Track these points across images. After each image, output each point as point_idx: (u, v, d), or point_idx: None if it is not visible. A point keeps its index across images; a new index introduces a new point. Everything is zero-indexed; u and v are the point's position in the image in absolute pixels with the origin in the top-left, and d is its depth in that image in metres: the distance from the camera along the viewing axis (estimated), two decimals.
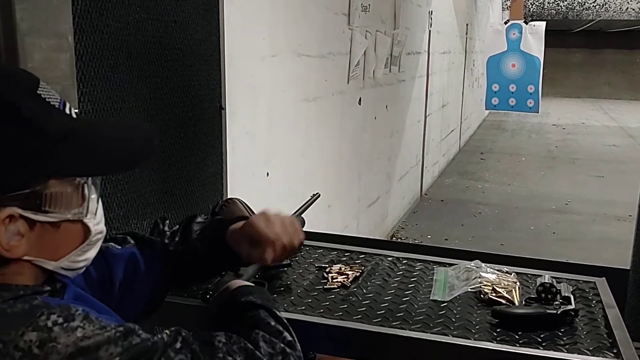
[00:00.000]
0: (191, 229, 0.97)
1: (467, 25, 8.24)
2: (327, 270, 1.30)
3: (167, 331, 0.65)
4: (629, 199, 6.12)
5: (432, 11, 5.52)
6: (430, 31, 5.53)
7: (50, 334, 0.55)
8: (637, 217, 2.03)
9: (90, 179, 0.68)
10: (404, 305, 1.15)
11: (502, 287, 1.19)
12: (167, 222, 1.01)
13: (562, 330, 1.07)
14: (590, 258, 4.20)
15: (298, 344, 0.81)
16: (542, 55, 6.40)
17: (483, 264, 1.29)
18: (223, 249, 0.94)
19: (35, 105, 0.63)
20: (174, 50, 1.53)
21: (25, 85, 0.64)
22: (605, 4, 10.80)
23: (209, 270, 0.99)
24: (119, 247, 0.90)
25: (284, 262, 1.25)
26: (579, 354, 1.00)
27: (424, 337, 1.03)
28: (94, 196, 0.69)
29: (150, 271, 0.92)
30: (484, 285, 1.20)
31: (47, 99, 0.64)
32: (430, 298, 1.19)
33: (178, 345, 0.64)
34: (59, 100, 0.66)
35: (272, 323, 0.82)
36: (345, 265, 1.32)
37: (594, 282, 1.29)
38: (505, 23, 6.60)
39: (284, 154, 2.57)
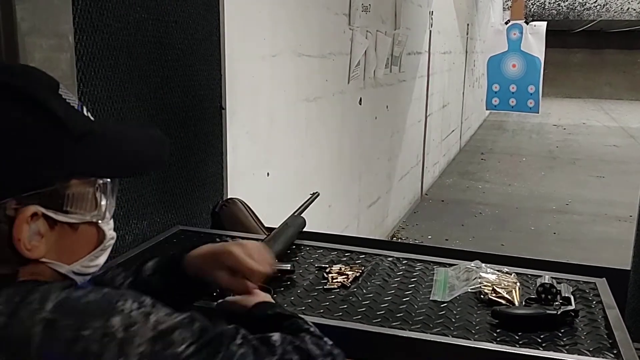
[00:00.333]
0: (143, 269, 0.92)
1: (467, 25, 8.24)
2: (327, 270, 1.30)
3: (227, 326, 0.66)
4: (629, 199, 6.11)
5: (432, 11, 5.51)
6: (430, 31, 5.53)
7: (130, 320, 0.56)
8: (637, 217, 2.02)
9: (109, 181, 0.68)
10: (404, 306, 1.15)
11: (502, 288, 1.19)
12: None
13: (562, 330, 1.07)
14: (591, 258, 4.20)
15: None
16: (542, 56, 6.40)
17: (483, 265, 1.28)
18: (182, 279, 0.89)
19: (60, 104, 0.63)
20: (174, 50, 1.53)
21: (49, 84, 0.64)
22: (606, 4, 10.80)
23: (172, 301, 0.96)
24: None
25: (288, 269, 1.24)
26: (579, 354, 1.00)
27: (424, 338, 1.03)
28: (112, 199, 0.68)
29: None
30: (484, 285, 1.20)
31: (67, 100, 0.65)
32: (430, 298, 1.19)
33: (239, 340, 0.64)
34: (77, 102, 0.66)
35: (312, 329, 0.82)
36: (345, 266, 1.32)
37: (594, 283, 1.29)
38: (506, 23, 6.60)
39: (284, 154, 2.57)
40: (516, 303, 1.15)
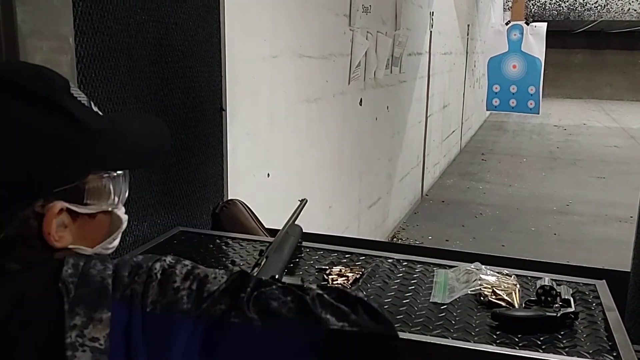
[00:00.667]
0: None
1: (468, 26, 8.24)
2: (328, 272, 1.30)
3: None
4: (630, 200, 6.11)
5: (433, 12, 5.52)
6: (431, 32, 5.53)
7: (170, 265, 0.65)
8: (637, 218, 2.02)
9: (121, 173, 0.72)
10: (404, 308, 1.15)
11: (502, 290, 1.19)
12: None
13: (562, 333, 1.07)
14: (591, 259, 4.20)
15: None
16: (543, 56, 6.40)
17: (483, 266, 1.29)
18: None
19: (74, 103, 0.66)
20: (174, 52, 1.53)
21: (60, 84, 0.67)
22: (607, 5, 10.79)
23: None
24: None
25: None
26: (578, 356, 1.00)
27: (424, 340, 1.04)
28: (125, 187, 0.74)
29: None
30: (484, 287, 1.20)
31: (78, 98, 0.67)
32: (430, 300, 1.19)
33: (277, 289, 0.67)
34: (86, 100, 0.69)
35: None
36: (346, 267, 1.32)
37: (594, 285, 1.29)
38: (507, 24, 6.60)
39: (284, 154, 2.57)
40: (516, 305, 1.15)
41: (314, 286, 0.70)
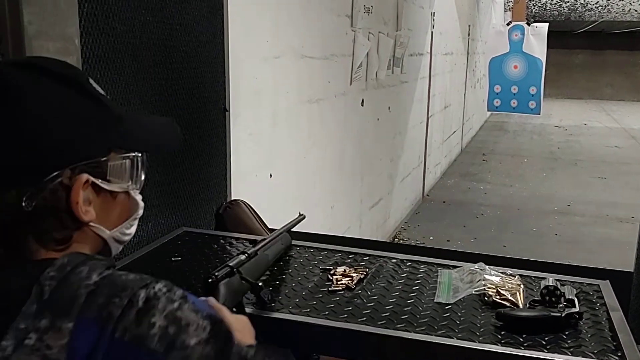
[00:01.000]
0: None
1: (469, 26, 8.25)
2: (332, 272, 1.30)
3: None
4: (631, 200, 6.13)
5: (434, 12, 5.52)
6: (432, 32, 5.54)
7: (155, 296, 0.63)
8: None
9: (140, 155, 0.77)
10: (409, 308, 1.15)
11: (506, 290, 1.19)
12: None
13: (567, 333, 1.07)
14: (593, 260, 4.21)
15: None
16: (544, 57, 6.41)
17: (487, 267, 1.29)
18: None
19: (96, 90, 0.74)
20: (178, 53, 1.54)
21: (84, 75, 0.74)
22: (608, 5, 10.79)
23: None
24: None
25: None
26: (583, 357, 1.00)
27: (429, 340, 1.04)
28: (142, 173, 0.78)
29: None
30: (488, 287, 1.21)
31: (96, 88, 0.74)
32: (435, 300, 1.19)
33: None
34: (103, 92, 0.76)
35: None
36: (350, 267, 1.33)
37: (598, 285, 1.29)
38: (508, 24, 6.61)
39: (286, 155, 2.57)
40: (520, 305, 1.16)
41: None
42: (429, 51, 5.51)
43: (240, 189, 1.97)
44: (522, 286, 1.23)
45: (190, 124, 1.62)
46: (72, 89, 0.70)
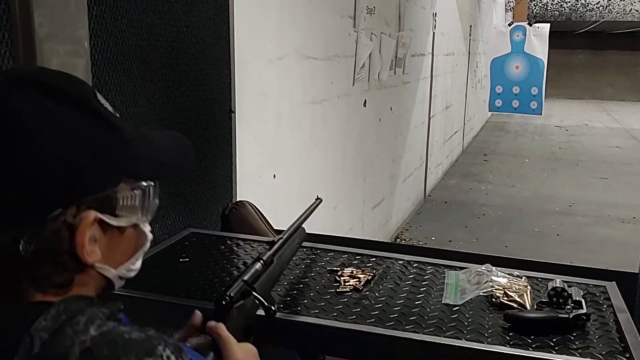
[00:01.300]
0: None
1: (470, 26, 8.25)
2: (339, 273, 1.31)
3: None
4: (632, 200, 6.13)
5: (436, 13, 5.52)
6: (434, 33, 5.54)
7: None
8: None
9: (152, 184, 0.68)
10: (417, 309, 1.16)
11: (513, 291, 1.20)
12: None
13: (574, 334, 1.08)
14: (594, 260, 4.21)
15: None
16: (546, 57, 6.41)
17: (494, 268, 1.29)
18: None
19: (104, 108, 0.63)
20: (185, 55, 1.54)
21: (90, 90, 0.65)
22: (609, 6, 10.80)
23: None
24: None
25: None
26: (591, 358, 1.01)
27: (438, 341, 1.04)
28: (155, 202, 0.69)
29: None
30: (496, 289, 1.21)
31: (105, 105, 0.64)
32: (442, 302, 1.20)
33: None
34: (111, 108, 0.66)
35: None
36: (357, 269, 1.33)
37: (604, 286, 1.30)
38: (510, 25, 6.61)
39: (289, 156, 2.58)
40: (528, 307, 1.16)
41: None
42: (430, 52, 5.52)
43: (245, 189, 1.98)
44: (529, 288, 1.24)
45: (197, 126, 1.63)
46: (77, 109, 0.60)
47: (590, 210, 5.88)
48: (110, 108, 0.65)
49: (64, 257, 0.59)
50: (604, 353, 1.02)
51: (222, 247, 1.48)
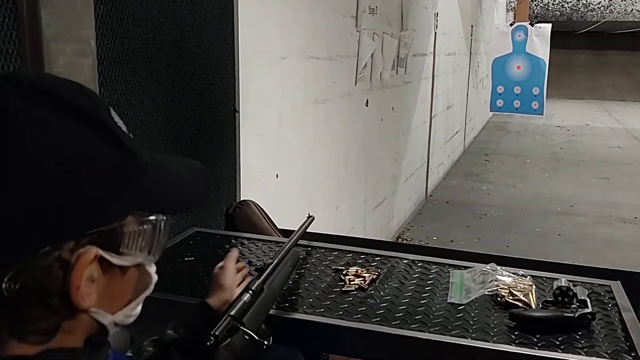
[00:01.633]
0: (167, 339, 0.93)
1: (472, 26, 8.25)
2: (344, 272, 1.31)
3: None
4: (634, 201, 6.13)
5: (437, 13, 5.53)
6: (435, 33, 5.54)
7: None
8: None
9: (163, 218, 0.58)
10: (422, 308, 1.16)
11: (518, 290, 1.20)
12: None
13: (580, 333, 1.08)
14: (596, 260, 4.21)
15: None
16: (547, 57, 6.41)
17: (499, 267, 1.30)
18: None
19: (119, 128, 0.54)
20: (190, 54, 1.54)
21: (105, 106, 0.55)
22: (610, 6, 10.79)
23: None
24: None
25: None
26: (597, 357, 1.01)
27: (444, 340, 1.05)
28: (165, 239, 0.59)
29: None
30: (501, 288, 1.21)
31: (118, 124, 0.55)
32: (448, 301, 1.20)
33: None
34: (125, 127, 0.57)
35: None
36: (362, 268, 1.33)
37: (609, 286, 1.30)
38: (511, 25, 6.61)
39: (292, 155, 2.58)
40: (533, 306, 1.16)
41: None
42: (432, 51, 5.52)
43: (248, 189, 1.98)
44: (534, 287, 1.24)
45: (201, 125, 1.63)
46: (88, 126, 0.50)
47: (591, 210, 5.88)
48: (124, 128, 0.56)
49: (54, 300, 0.50)
50: (609, 352, 1.02)
51: (227, 246, 1.48)
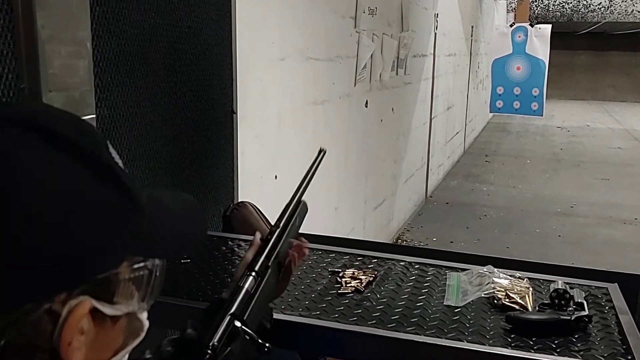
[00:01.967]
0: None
1: (472, 27, 8.25)
2: (341, 274, 1.31)
3: None
4: (634, 202, 6.13)
5: (437, 14, 5.52)
6: (435, 34, 5.54)
7: None
8: None
9: (159, 263, 0.54)
10: (418, 311, 1.16)
11: (515, 293, 1.20)
12: None
13: (576, 336, 1.08)
14: (596, 261, 4.20)
15: None
16: (547, 58, 6.41)
17: (495, 270, 1.29)
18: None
19: (117, 165, 0.50)
20: (187, 55, 1.54)
21: (103, 141, 0.51)
22: (610, 6, 10.79)
23: None
24: None
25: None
26: None
27: (439, 343, 1.04)
28: (159, 284, 0.55)
29: None
30: (497, 290, 1.21)
31: (115, 159, 0.50)
32: (444, 303, 1.19)
33: None
34: (121, 162, 0.52)
35: None
36: (358, 270, 1.33)
37: (606, 288, 1.30)
38: (511, 25, 6.61)
39: (291, 157, 2.58)
40: (529, 308, 1.16)
41: None
42: (432, 52, 5.52)
43: (246, 190, 1.98)
44: (530, 289, 1.23)
45: (199, 126, 1.63)
46: (86, 165, 0.46)
47: (592, 211, 5.87)
48: (121, 163, 0.51)
49: (39, 355, 0.45)
50: (605, 355, 1.02)
51: (224, 247, 1.48)
